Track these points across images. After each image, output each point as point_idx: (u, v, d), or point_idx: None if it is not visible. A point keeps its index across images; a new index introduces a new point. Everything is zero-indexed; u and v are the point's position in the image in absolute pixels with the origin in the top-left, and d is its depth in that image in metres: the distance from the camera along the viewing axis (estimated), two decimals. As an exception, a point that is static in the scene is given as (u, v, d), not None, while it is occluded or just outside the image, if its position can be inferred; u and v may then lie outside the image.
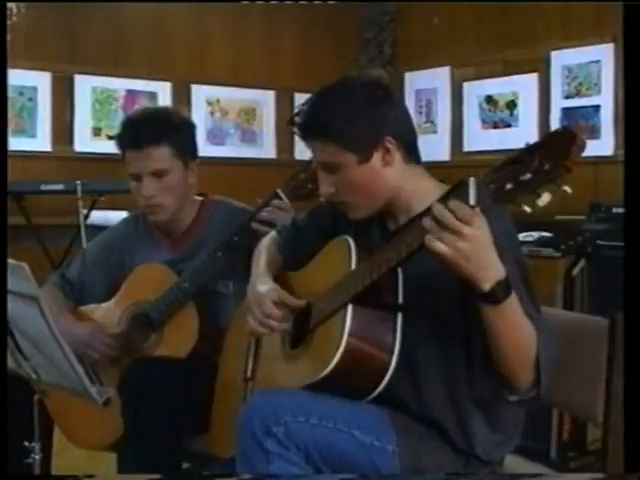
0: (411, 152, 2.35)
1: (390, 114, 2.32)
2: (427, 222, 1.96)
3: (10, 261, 2.23)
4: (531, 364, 2.14)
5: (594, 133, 5.92)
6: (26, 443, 2.55)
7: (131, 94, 6.97)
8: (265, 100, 7.49)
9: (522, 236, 4.74)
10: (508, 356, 2.13)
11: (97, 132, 6.86)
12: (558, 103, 6.37)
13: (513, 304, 2.06)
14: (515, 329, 2.09)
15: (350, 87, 2.38)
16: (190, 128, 3.16)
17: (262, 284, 2.58)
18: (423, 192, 2.31)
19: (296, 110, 2.40)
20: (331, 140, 2.29)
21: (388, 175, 2.31)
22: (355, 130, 2.27)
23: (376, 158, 2.30)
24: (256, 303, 2.52)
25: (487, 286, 2.00)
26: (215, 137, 7.28)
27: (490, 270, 2.00)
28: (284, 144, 7.38)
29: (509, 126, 6.73)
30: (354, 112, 2.27)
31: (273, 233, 2.81)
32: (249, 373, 2.62)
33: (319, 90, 2.37)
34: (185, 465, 3.01)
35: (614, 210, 4.64)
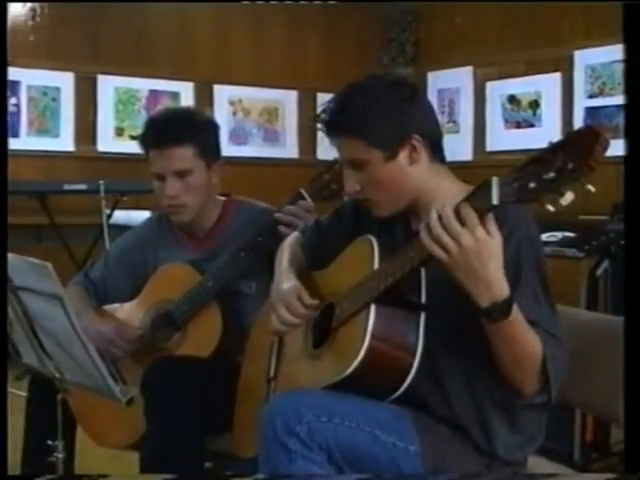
0: (436, 151, 2.35)
1: (417, 112, 2.32)
2: (432, 220, 1.97)
3: (34, 260, 2.25)
4: (534, 374, 2.15)
5: (617, 133, 5.89)
6: (49, 442, 2.57)
7: (154, 94, 7.00)
8: (287, 100, 7.51)
9: (545, 236, 4.73)
10: (507, 369, 2.15)
11: (120, 132, 6.90)
12: (581, 103, 6.37)
13: (513, 324, 2.06)
14: (515, 346, 2.10)
15: (376, 84, 2.37)
16: (214, 128, 3.16)
17: (286, 281, 2.57)
18: (447, 192, 2.30)
19: (322, 107, 2.38)
20: (358, 137, 2.28)
21: (414, 173, 2.31)
22: (382, 127, 2.26)
23: (402, 156, 2.29)
24: (281, 301, 2.52)
25: (483, 303, 2.01)
26: (237, 137, 7.31)
27: (488, 289, 2.00)
28: (306, 144, 7.40)
29: (532, 126, 6.72)
30: (381, 108, 2.27)
31: (296, 233, 2.81)
32: (272, 373, 2.62)
33: (345, 87, 2.36)
34: (207, 464, 3.01)
35: (637, 210, 4.61)
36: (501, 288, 2.01)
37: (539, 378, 2.15)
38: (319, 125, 2.37)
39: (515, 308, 2.05)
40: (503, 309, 2.02)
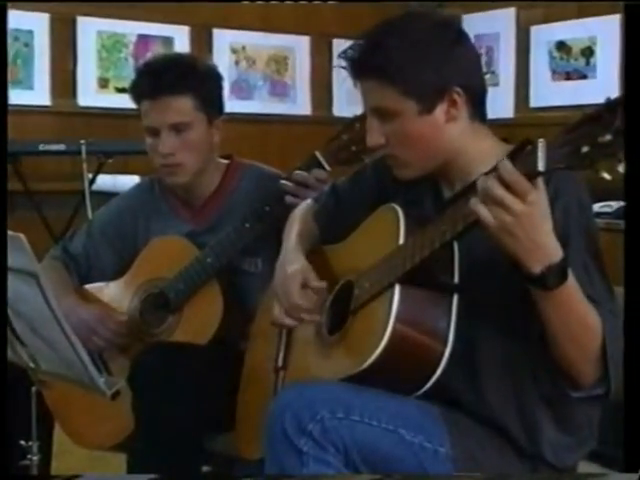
0: (478, 108, 2.34)
1: (462, 60, 2.31)
2: (480, 183, 1.97)
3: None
4: (594, 357, 2.13)
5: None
6: (23, 442, 2.58)
7: (143, 39, 6.98)
8: (298, 47, 7.48)
9: (598, 206, 4.72)
10: (565, 347, 2.13)
11: (104, 83, 6.88)
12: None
13: (569, 291, 2.05)
14: (572, 318, 2.09)
15: (418, 23, 2.35)
16: (216, 78, 3.17)
17: (290, 263, 2.57)
18: (485, 155, 2.30)
19: (351, 44, 2.33)
20: (390, 82, 2.26)
21: (450, 132, 2.30)
22: (420, 74, 2.24)
23: (440, 110, 2.28)
24: (282, 287, 2.53)
25: (536, 269, 2.00)
26: (240, 90, 7.29)
27: (540, 252, 1.99)
28: (320, 98, 7.37)
29: (584, 77, 6.68)
30: (421, 52, 2.26)
31: (309, 201, 2.81)
32: (280, 362, 2.63)
33: (381, 23, 2.33)
34: (205, 468, 3.03)
35: None
36: (554, 249, 2.01)
37: (599, 364, 2.14)
38: (343, 63, 2.34)
39: (569, 274, 2.04)
40: (558, 273, 2.01)
